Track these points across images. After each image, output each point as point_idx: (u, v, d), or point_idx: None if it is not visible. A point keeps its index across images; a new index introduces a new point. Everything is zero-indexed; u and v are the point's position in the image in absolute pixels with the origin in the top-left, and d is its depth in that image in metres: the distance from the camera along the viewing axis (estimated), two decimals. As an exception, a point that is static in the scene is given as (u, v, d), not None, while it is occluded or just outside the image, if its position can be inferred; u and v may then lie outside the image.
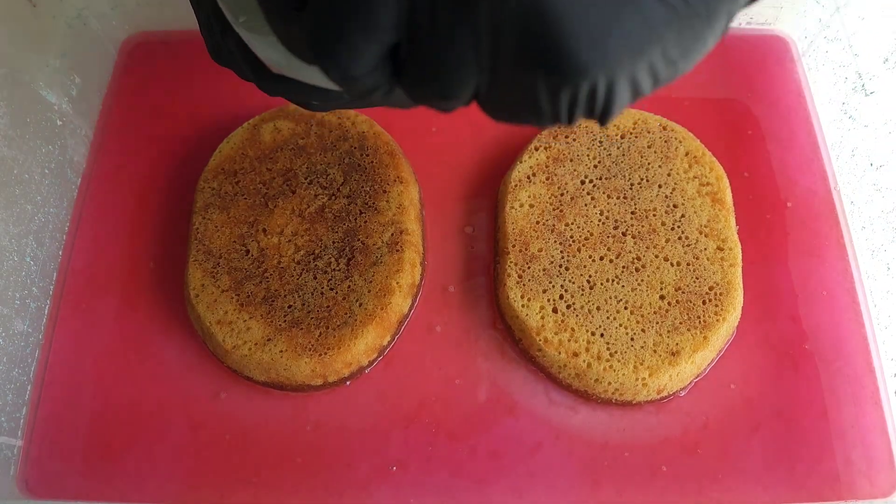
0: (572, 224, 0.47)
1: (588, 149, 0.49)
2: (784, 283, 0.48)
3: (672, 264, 0.45)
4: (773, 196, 0.51)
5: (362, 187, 0.48)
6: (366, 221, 0.47)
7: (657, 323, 0.44)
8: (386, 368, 0.46)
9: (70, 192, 0.51)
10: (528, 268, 0.46)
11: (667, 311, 0.44)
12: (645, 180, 0.48)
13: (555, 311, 0.44)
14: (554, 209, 0.47)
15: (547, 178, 0.48)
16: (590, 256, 0.46)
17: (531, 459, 0.43)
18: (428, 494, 0.43)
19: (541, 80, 0.22)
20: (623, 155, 0.49)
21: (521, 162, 0.49)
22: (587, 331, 0.44)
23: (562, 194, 0.48)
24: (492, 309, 0.48)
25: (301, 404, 0.45)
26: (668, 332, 0.43)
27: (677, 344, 0.43)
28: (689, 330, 0.43)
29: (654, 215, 0.47)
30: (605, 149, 0.49)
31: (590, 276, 0.45)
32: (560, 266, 0.46)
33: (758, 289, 0.48)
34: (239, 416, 0.45)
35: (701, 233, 0.46)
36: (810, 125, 0.54)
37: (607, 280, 0.45)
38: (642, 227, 0.47)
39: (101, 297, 0.49)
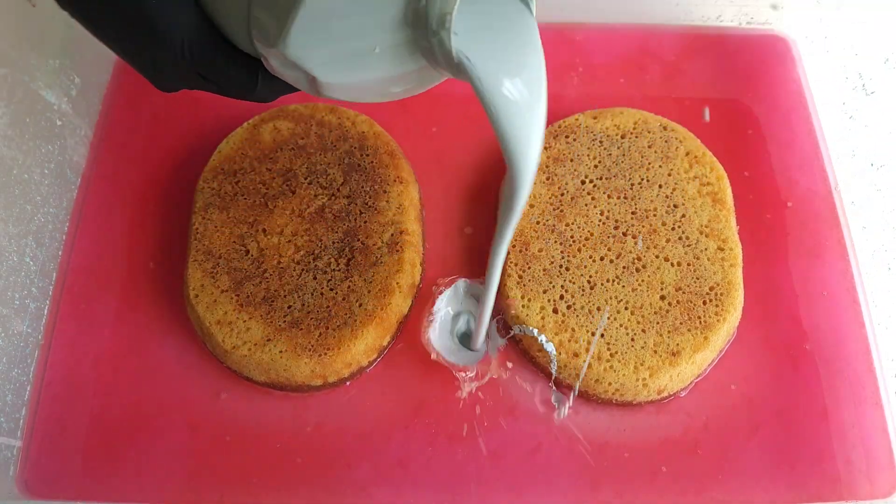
0: (572, 224, 0.47)
1: (588, 149, 0.49)
2: (784, 283, 0.48)
3: (672, 264, 0.45)
4: (773, 196, 0.51)
5: (362, 187, 0.48)
6: (366, 221, 0.46)
7: (657, 323, 0.44)
8: (386, 368, 0.46)
9: (70, 192, 0.51)
10: (529, 268, 0.45)
11: (667, 311, 0.44)
12: (645, 180, 0.48)
13: (555, 311, 0.44)
14: (554, 209, 0.47)
15: (547, 178, 0.48)
16: (590, 257, 0.46)
17: (531, 459, 0.43)
18: (428, 495, 0.43)
19: None
20: (623, 155, 0.49)
21: (521, 162, 0.49)
22: (587, 331, 0.44)
23: (562, 194, 0.48)
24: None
25: (301, 405, 0.45)
26: (669, 332, 0.43)
27: (678, 344, 0.43)
28: (689, 330, 0.43)
29: (655, 215, 0.47)
30: (605, 149, 0.49)
31: (590, 277, 0.45)
32: (560, 266, 0.45)
33: (758, 289, 0.48)
34: (238, 417, 0.45)
35: (701, 233, 0.46)
36: (810, 125, 0.54)
37: (607, 280, 0.45)
38: (643, 227, 0.47)
39: (100, 297, 0.48)
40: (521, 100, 0.29)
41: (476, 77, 0.28)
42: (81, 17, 0.32)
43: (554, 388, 0.45)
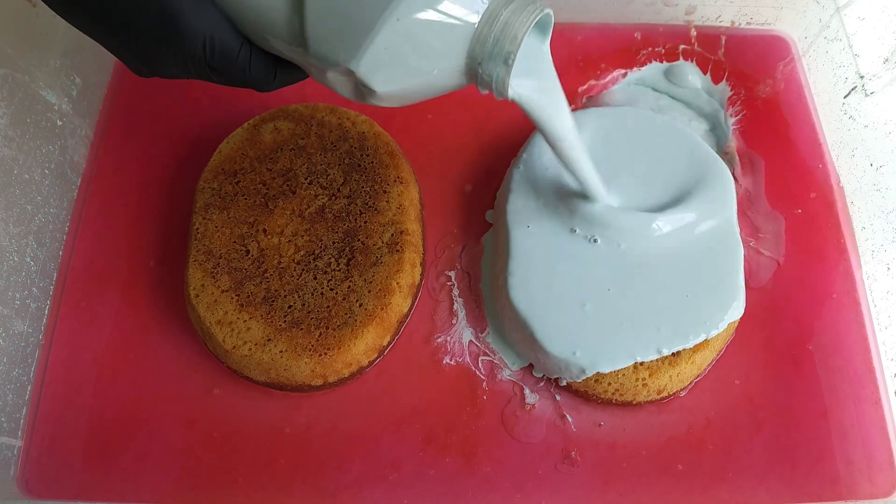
0: (572, 224, 0.47)
1: (588, 149, 0.49)
2: (784, 283, 0.48)
3: (672, 264, 0.45)
4: (773, 196, 0.51)
5: (362, 187, 0.48)
6: (366, 222, 0.47)
7: (657, 323, 0.44)
8: (386, 369, 0.46)
9: (70, 192, 0.51)
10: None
11: (667, 311, 0.44)
12: (645, 180, 0.48)
13: (555, 311, 0.44)
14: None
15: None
16: (590, 256, 0.46)
17: (531, 460, 0.43)
18: (429, 495, 0.43)
19: None
20: (623, 155, 0.49)
21: (521, 162, 0.49)
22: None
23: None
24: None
25: (301, 404, 0.45)
26: (669, 332, 0.43)
27: (677, 344, 0.43)
28: (689, 330, 0.43)
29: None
30: (605, 149, 0.49)
31: (590, 277, 0.45)
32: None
33: (758, 289, 0.48)
34: (237, 417, 0.45)
35: (701, 233, 0.46)
36: (810, 125, 0.54)
37: (607, 280, 0.45)
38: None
39: (101, 297, 0.49)
40: (551, 106, 0.38)
41: (528, 106, 0.37)
42: (77, 9, 0.32)
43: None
